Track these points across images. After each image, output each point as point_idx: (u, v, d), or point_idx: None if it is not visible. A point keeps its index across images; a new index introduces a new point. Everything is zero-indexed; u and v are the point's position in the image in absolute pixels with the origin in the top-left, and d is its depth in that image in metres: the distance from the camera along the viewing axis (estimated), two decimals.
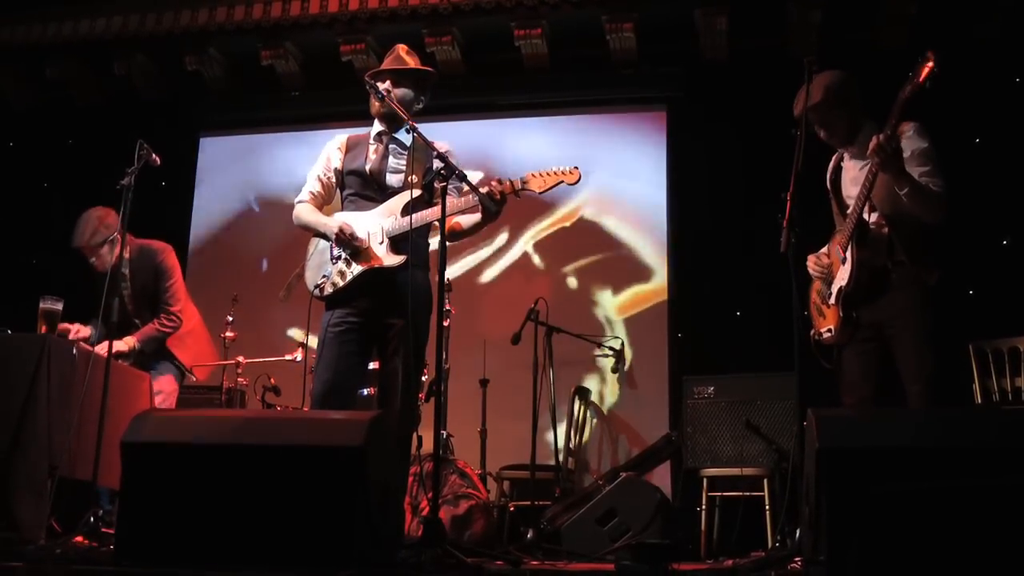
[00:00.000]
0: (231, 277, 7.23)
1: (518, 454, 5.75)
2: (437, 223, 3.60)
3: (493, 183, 3.59)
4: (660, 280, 6.67)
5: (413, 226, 3.64)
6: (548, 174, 3.62)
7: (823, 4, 6.29)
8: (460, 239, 3.90)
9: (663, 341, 6.54)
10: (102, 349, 4.28)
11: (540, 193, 3.65)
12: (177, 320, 4.90)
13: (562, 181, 3.61)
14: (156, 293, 4.90)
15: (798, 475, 3.30)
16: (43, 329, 4.24)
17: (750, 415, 5.00)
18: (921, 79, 3.36)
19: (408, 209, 3.66)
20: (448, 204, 3.57)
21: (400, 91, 3.82)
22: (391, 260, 3.66)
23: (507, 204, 3.62)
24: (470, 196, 3.59)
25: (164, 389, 4.90)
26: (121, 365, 4.49)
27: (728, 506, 5.09)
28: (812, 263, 3.93)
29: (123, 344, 4.66)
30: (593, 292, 6.75)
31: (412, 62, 3.91)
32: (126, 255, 4.84)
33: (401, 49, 3.93)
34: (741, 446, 5.00)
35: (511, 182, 3.60)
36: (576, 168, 3.63)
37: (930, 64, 3.34)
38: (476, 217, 3.72)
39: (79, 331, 4.71)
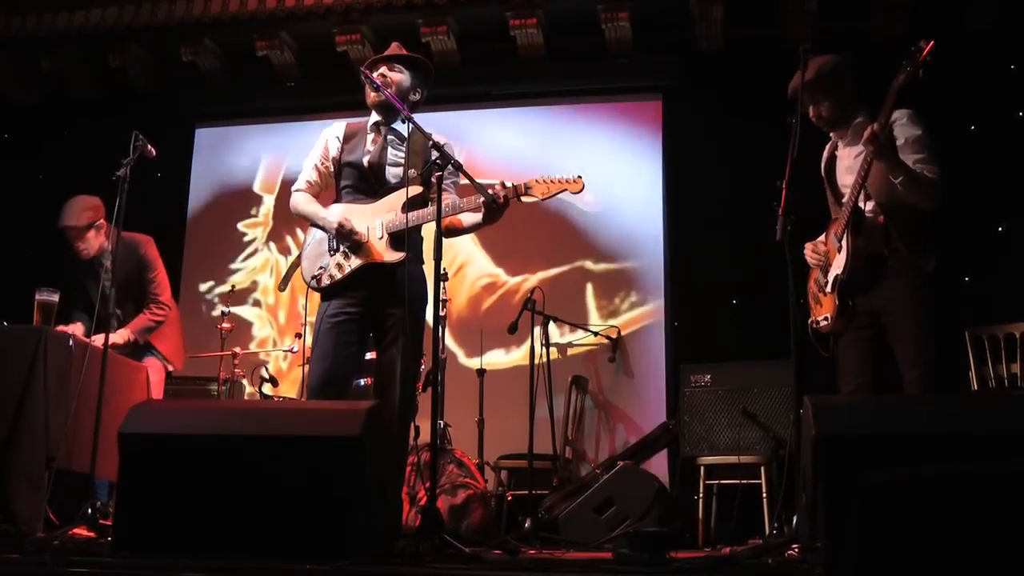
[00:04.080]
0: (227, 269, 7.24)
1: (516, 443, 5.76)
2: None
3: (496, 187, 3.58)
4: (656, 269, 6.66)
5: (414, 223, 3.63)
6: (552, 181, 3.60)
7: None
8: (456, 236, 3.89)
9: (660, 329, 6.54)
10: (99, 343, 4.28)
11: (542, 200, 3.64)
12: (167, 308, 4.95)
13: (565, 189, 3.60)
14: (140, 284, 4.91)
15: (795, 462, 3.31)
16: (39, 321, 4.23)
17: (747, 403, 5.01)
18: (915, 67, 3.36)
19: (408, 206, 3.65)
20: (452, 204, 3.57)
21: (396, 76, 3.81)
22: (391, 256, 3.64)
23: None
24: (473, 198, 3.57)
25: (154, 378, 4.91)
26: (118, 357, 4.48)
27: (725, 494, 5.11)
28: (809, 251, 3.93)
29: (118, 337, 4.65)
30: (589, 281, 6.74)
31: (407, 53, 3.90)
32: (108, 247, 4.84)
33: (396, 45, 3.93)
34: (738, 434, 5.01)
35: (514, 187, 3.58)
36: (580, 177, 3.60)
37: (924, 53, 3.34)
38: (477, 218, 3.70)
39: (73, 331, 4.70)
